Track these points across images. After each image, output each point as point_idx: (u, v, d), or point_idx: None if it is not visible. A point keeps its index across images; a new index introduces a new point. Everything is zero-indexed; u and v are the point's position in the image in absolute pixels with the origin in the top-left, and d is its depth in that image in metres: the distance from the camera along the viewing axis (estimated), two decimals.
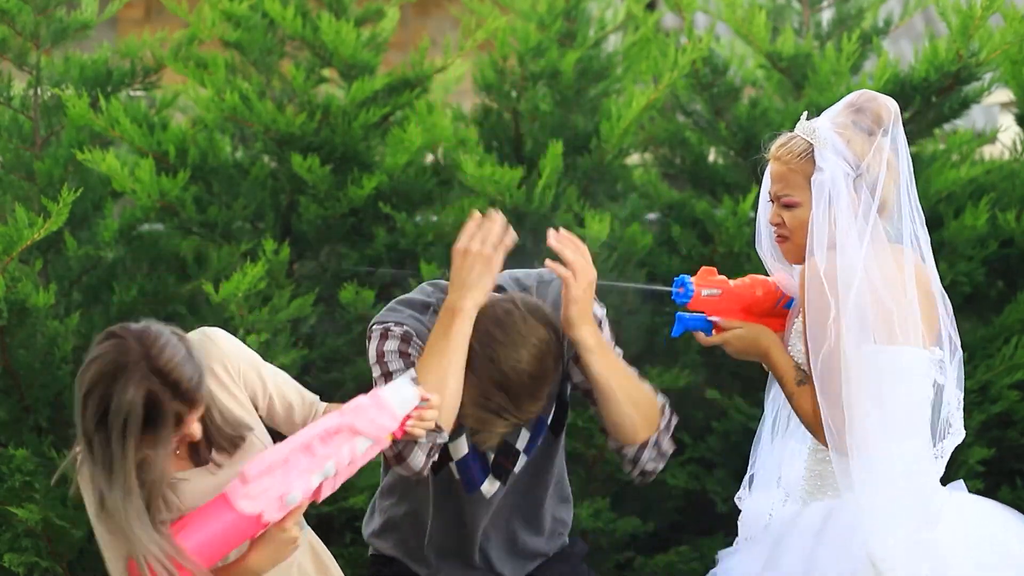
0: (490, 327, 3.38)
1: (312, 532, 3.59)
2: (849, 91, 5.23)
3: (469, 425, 3.47)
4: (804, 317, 3.40)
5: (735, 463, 5.34)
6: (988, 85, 5.38)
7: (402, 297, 3.56)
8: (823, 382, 3.34)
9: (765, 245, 3.60)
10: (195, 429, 3.18)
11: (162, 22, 6.82)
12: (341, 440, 3.13)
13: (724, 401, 5.37)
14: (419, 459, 3.38)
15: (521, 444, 3.59)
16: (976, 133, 5.56)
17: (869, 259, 3.35)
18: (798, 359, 3.48)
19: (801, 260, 3.45)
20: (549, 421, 3.62)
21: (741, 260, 5.36)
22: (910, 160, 3.48)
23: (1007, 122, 5.69)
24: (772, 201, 3.49)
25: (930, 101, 5.31)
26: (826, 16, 5.92)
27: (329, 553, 3.62)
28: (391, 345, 3.45)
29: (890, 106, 3.44)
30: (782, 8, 5.93)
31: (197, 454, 3.31)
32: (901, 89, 5.28)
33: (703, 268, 3.53)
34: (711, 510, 5.38)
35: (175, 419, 3.08)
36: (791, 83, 5.58)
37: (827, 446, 3.39)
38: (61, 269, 5.17)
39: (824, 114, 3.48)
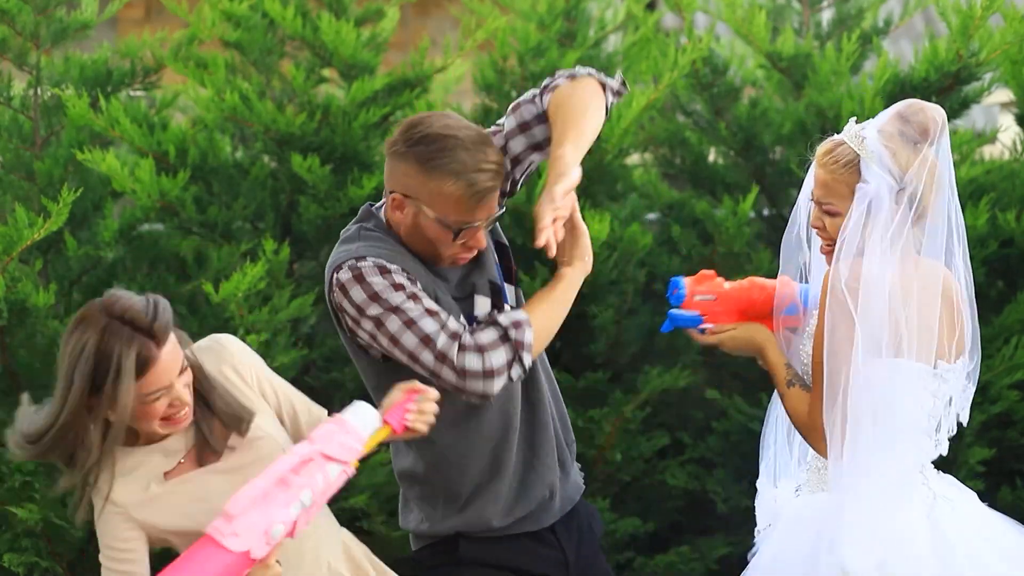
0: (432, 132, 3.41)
1: (347, 531, 3.59)
2: (849, 91, 5.28)
3: (472, 216, 3.41)
4: (820, 320, 3.39)
5: (735, 463, 5.34)
6: (988, 85, 5.39)
7: (339, 243, 3.54)
8: (831, 388, 3.34)
9: (796, 238, 3.60)
10: (180, 391, 3.24)
11: (162, 22, 6.83)
12: (314, 468, 3.14)
13: (724, 401, 5.37)
14: (498, 387, 3.36)
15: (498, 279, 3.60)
16: (976, 133, 5.57)
17: (892, 271, 3.35)
18: (805, 361, 3.48)
19: None
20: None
21: (741, 260, 5.36)
22: (952, 170, 3.46)
23: (1007, 122, 5.69)
24: (814, 203, 3.47)
25: (930, 101, 5.30)
26: (826, 16, 5.92)
27: (366, 549, 3.61)
28: (377, 282, 3.38)
29: (937, 117, 3.42)
30: (782, 8, 5.93)
31: (201, 453, 3.34)
32: (901, 89, 5.28)
33: (701, 272, 3.54)
34: (711, 510, 5.38)
35: (138, 353, 3.17)
36: (791, 83, 5.58)
37: (817, 450, 3.43)
38: (61, 269, 5.17)
39: (872, 122, 3.44)
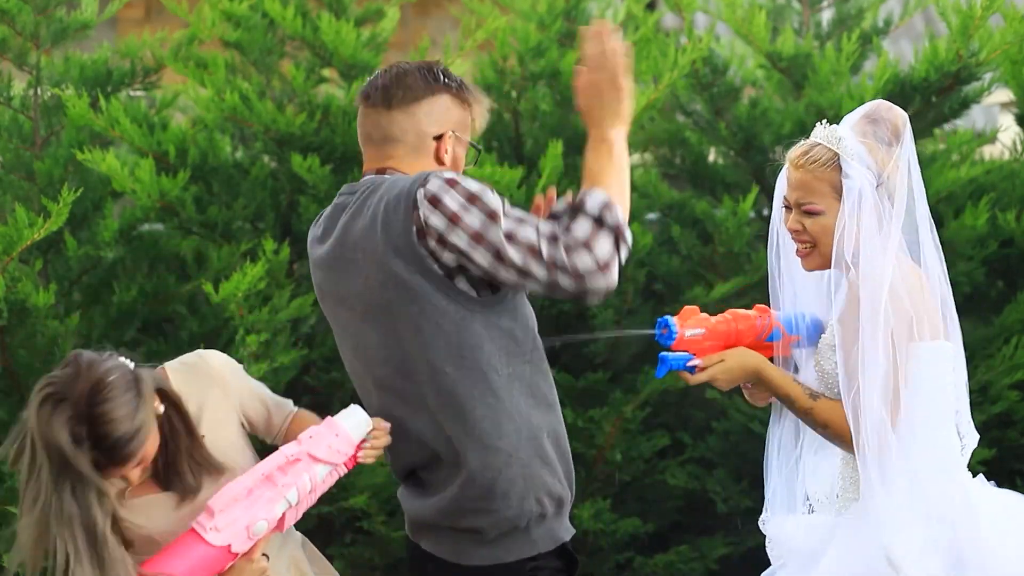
0: None
1: (306, 544, 3.53)
2: (849, 91, 5.27)
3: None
4: (841, 326, 3.40)
5: (735, 463, 5.34)
6: (988, 85, 5.39)
7: (388, 184, 3.30)
8: (867, 386, 3.35)
9: (779, 253, 3.60)
10: (133, 476, 3.17)
11: (162, 22, 6.82)
12: (301, 468, 3.16)
13: (724, 401, 5.37)
14: (616, 276, 3.17)
15: None
16: (976, 133, 5.57)
17: (894, 266, 3.37)
18: (828, 369, 3.47)
19: (824, 267, 3.45)
20: None
21: (741, 260, 5.36)
22: (918, 168, 3.49)
23: (1007, 122, 5.69)
24: (788, 208, 3.48)
25: (930, 101, 5.31)
26: (826, 16, 5.92)
27: (325, 562, 3.55)
28: (473, 186, 3.18)
29: (905, 117, 3.47)
30: (782, 8, 5.93)
31: (162, 479, 3.29)
32: (901, 89, 5.28)
33: (685, 308, 3.49)
34: (711, 510, 5.38)
35: (95, 466, 3.07)
36: (791, 83, 5.58)
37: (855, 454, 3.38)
38: (61, 269, 5.17)
39: (843, 122, 3.48)
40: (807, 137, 3.50)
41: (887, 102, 3.50)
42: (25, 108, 5.17)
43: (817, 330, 3.52)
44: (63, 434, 3.03)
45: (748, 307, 3.57)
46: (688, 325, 3.45)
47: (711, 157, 5.75)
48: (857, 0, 5.88)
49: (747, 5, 5.55)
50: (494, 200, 3.16)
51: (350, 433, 3.19)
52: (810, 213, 3.42)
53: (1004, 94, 5.79)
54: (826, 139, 3.43)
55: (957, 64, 5.20)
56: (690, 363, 3.46)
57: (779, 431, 3.67)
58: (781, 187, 3.52)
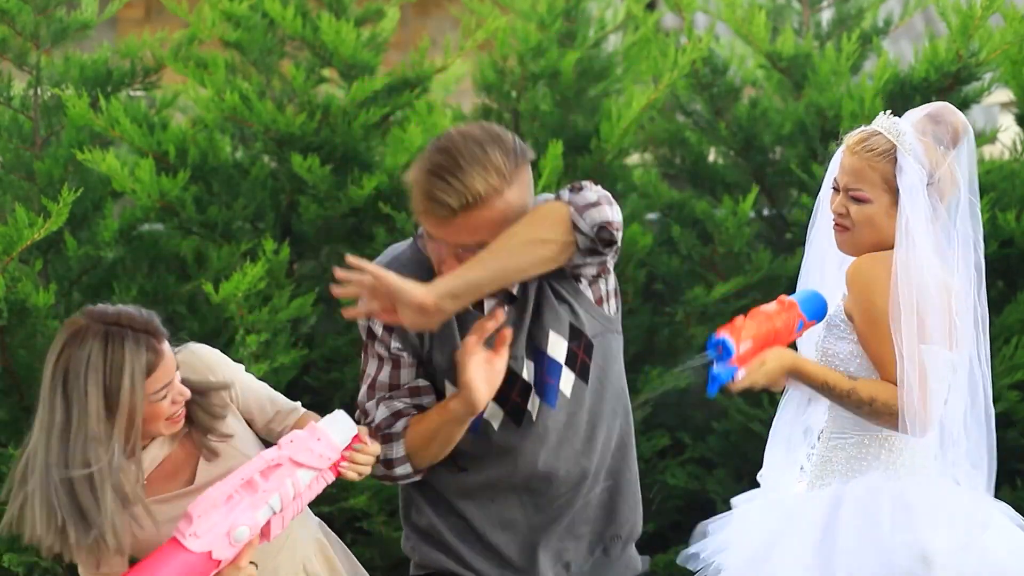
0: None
1: (322, 527, 3.58)
2: (849, 91, 5.28)
3: (421, 219, 3.19)
4: (864, 313, 3.41)
5: (735, 463, 5.34)
6: (988, 85, 5.39)
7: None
8: (910, 374, 3.39)
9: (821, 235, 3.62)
10: (180, 386, 3.24)
11: (162, 22, 6.82)
12: (283, 473, 3.14)
13: (724, 401, 5.37)
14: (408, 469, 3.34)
15: (527, 374, 3.32)
16: (976, 133, 5.56)
17: (934, 262, 3.42)
18: (828, 351, 3.50)
19: (857, 252, 3.48)
20: (563, 360, 3.35)
21: (741, 260, 5.36)
22: (976, 175, 3.50)
23: (1007, 122, 5.69)
24: (836, 190, 3.51)
25: (930, 101, 5.29)
26: (826, 16, 5.93)
27: (342, 546, 3.60)
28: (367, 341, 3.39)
29: (966, 123, 3.50)
30: (782, 8, 5.93)
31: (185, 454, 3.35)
32: (901, 89, 5.28)
33: (733, 322, 3.41)
34: (711, 510, 5.37)
35: (147, 348, 3.17)
36: (791, 83, 5.59)
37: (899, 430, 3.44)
38: (61, 269, 5.17)
39: (905, 117, 3.50)
40: (807, 136, 3.52)
41: (951, 105, 3.52)
42: (25, 108, 5.17)
43: (824, 310, 3.54)
44: (99, 338, 3.18)
45: (747, 308, 3.57)
46: (742, 339, 3.38)
47: (711, 157, 5.75)
48: (857, 0, 5.89)
49: (747, 5, 5.56)
50: (367, 358, 3.40)
51: (333, 438, 3.18)
52: (857, 200, 3.46)
53: (1004, 94, 5.79)
54: (887, 130, 3.46)
55: (957, 64, 5.21)
56: (736, 373, 3.45)
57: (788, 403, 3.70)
58: (833, 168, 3.56)
